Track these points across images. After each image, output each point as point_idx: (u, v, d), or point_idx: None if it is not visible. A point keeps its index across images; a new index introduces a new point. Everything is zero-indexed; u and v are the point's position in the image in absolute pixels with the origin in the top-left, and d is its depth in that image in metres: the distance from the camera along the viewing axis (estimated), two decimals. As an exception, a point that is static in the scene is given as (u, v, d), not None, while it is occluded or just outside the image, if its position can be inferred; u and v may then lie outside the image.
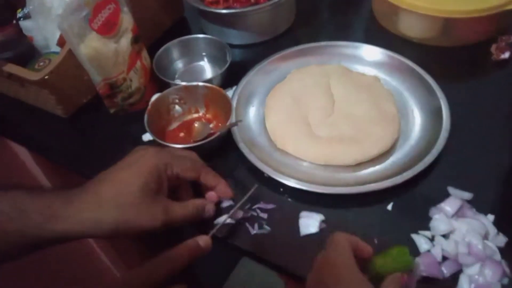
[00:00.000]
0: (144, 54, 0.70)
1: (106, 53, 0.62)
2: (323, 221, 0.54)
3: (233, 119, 0.63)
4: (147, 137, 0.67)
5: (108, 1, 0.61)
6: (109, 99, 0.67)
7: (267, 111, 0.67)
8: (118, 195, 0.46)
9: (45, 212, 0.44)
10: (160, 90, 0.71)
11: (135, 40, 0.66)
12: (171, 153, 0.53)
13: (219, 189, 0.54)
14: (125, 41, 0.64)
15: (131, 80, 0.67)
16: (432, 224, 0.51)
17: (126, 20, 0.65)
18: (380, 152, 0.60)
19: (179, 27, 0.88)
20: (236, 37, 0.80)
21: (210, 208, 0.54)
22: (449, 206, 0.51)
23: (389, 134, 0.61)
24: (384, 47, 0.72)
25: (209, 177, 0.54)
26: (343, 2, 0.89)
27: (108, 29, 0.62)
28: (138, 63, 0.68)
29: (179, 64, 0.79)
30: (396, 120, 0.62)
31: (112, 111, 0.69)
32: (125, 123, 0.70)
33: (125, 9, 0.65)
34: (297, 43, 0.76)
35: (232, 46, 0.76)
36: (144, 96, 0.70)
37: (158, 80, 0.71)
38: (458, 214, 0.51)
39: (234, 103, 0.66)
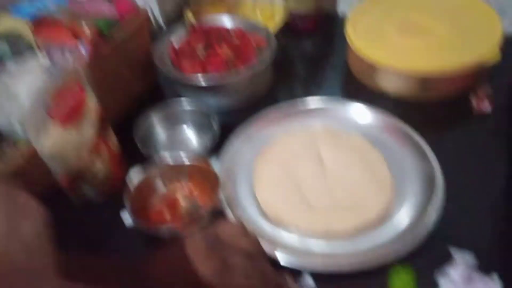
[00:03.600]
0: (111, 137, 0.65)
1: (68, 144, 0.57)
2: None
3: (221, 194, 0.60)
4: (130, 221, 0.62)
5: (72, 87, 0.57)
6: (73, 190, 0.62)
7: (257, 182, 0.64)
8: None
9: None
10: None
11: (100, 125, 0.61)
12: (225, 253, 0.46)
13: None
14: (89, 128, 0.60)
15: (96, 168, 0.62)
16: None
17: (91, 105, 0.61)
18: (378, 217, 0.58)
19: (154, 94, 0.85)
20: (215, 103, 0.78)
21: None
22: (453, 269, 0.51)
23: (385, 198, 0.59)
24: (363, 102, 0.72)
25: None
26: (317, 59, 0.90)
27: (71, 118, 0.57)
28: (104, 149, 0.63)
29: (161, 134, 0.76)
30: (389, 182, 0.61)
31: (77, 201, 0.64)
32: (101, 208, 0.65)
33: (90, 93, 0.60)
34: (277, 103, 0.75)
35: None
36: (112, 180, 0.65)
37: (136, 156, 0.67)
38: (463, 276, 0.50)
39: (221, 176, 0.63)
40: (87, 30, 0.68)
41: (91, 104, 0.61)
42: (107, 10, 0.73)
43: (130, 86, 0.80)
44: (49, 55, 0.71)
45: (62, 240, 0.59)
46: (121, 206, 0.62)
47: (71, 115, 0.57)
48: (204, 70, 0.75)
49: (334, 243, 0.56)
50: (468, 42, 0.73)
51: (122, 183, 0.65)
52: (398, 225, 0.57)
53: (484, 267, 0.51)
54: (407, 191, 0.61)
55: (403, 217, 0.58)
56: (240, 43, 0.79)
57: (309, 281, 0.52)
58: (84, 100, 0.59)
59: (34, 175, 0.59)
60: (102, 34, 0.69)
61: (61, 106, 0.56)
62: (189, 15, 1.00)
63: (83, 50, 0.65)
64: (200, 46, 0.77)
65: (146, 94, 0.84)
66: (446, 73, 0.70)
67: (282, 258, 0.54)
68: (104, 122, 0.63)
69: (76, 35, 0.69)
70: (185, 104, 0.75)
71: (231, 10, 1.00)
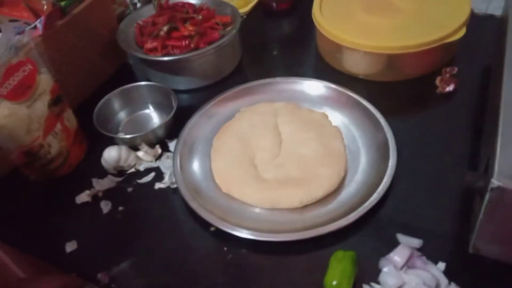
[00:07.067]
0: (67, 115, 0.65)
1: (17, 120, 0.57)
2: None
3: None
4: (80, 199, 0.62)
5: (23, 63, 0.57)
6: (27, 167, 0.62)
7: (213, 153, 0.64)
8: None
9: None
10: (99, 147, 0.66)
11: (54, 102, 0.61)
12: None
13: None
14: (41, 104, 0.60)
15: (49, 146, 0.61)
16: (381, 278, 0.47)
17: (44, 82, 0.60)
18: (327, 193, 0.57)
19: (123, 74, 0.84)
20: (180, 82, 0.78)
21: None
22: (398, 256, 0.48)
23: (335, 174, 0.58)
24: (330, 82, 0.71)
25: None
26: (289, 41, 0.89)
27: (21, 93, 0.57)
28: (58, 126, 0.63)
29: (122, 115, 0.75)
30: (342, 158, 0.60)
31: (31, 178, 0.64)
32: (54, 188, 0.65)
33: (43, 69, 0.60)
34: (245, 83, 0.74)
35: (177, 91, 0.73)
36: (68, 159, 0.65)
37: (96, 137, 0.67)
38: (408, 264, 0.48)
39: (179, 148, 0.64)
40: (45, 6, 0.68)
41: (45, 80, 0.60)
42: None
43: (97, 65, 0.79)
44: (4, 30, 0.70)
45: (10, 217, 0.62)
46: (77, 186, 0.63)
47: (20, 91, 0.57)
48: (166, 49, 0.75)
49: (281, 215, 0.56)
50: (434, 20, 0.71)
51: (80, 162, 0.67)
52: (346, 204, 0.56)
53: (431, 255, 0.49)
54: (359, 170, 0.60)
55: (353, 195, 0.57)
56: (203, 20, 0.77)
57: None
58: (35, 76, 0.58)
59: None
60: (60, 9, 0.69)
61: (10, 82, 0.55)
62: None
63: (40, 26, 0.65)
64: (164, 24, 0.76)
65: (115, 75, 0.84)
66: (411, 50, 0.68)
67: (230, 228, 0.53)
68: (60, 99, 0.63)
69: (35, 12, 0.69)
70: (146, 84, 0.74)
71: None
